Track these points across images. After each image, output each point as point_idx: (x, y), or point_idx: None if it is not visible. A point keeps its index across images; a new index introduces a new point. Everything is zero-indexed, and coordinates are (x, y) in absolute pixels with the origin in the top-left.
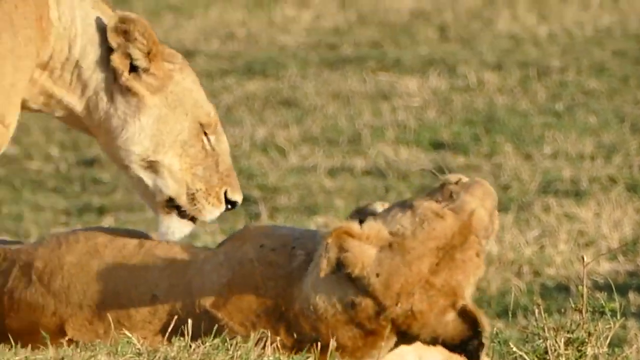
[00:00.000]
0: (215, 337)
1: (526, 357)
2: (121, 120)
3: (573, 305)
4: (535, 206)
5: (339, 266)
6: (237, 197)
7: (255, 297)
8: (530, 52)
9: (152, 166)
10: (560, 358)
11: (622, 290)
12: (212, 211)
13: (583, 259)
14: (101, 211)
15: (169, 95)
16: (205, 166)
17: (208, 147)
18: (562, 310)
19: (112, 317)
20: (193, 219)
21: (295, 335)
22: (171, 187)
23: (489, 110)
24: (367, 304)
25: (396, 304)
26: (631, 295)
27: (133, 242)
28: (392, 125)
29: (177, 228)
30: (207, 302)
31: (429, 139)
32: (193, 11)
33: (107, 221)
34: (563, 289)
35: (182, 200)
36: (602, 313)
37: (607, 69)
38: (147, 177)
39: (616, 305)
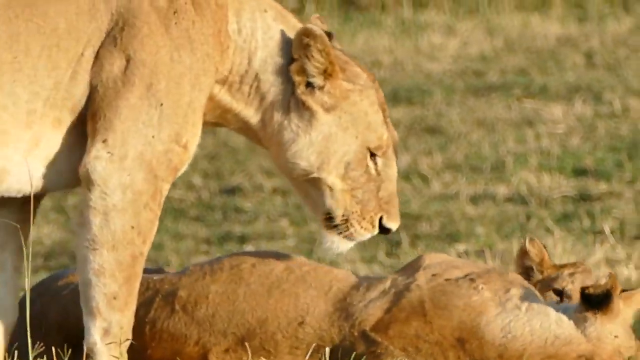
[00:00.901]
0: None
1: None
2: (293, 133)
3: None
4: None
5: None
6: (392, 225)
7: (422, 324)
8: None
9: (315, 182)
10: None
11: None
12: (363, 234)
13: None
14: (242, 240)
15: (342, 115)
16: (366, 190)
17: (373, 172)
18: None
19: (257, 344)
20: (350, 237)
21: None
22: (329, 204)
23: (633, 137)
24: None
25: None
26: None
27: (279, 267)
28: (535, 152)
29: (336, 244)
30: (367, 325)
31: (572, 166)
32: (341, 38)
33: (249, 249)
34: None
35: (338, 219)
36: None
37: None
38: (311, 192)
39: None
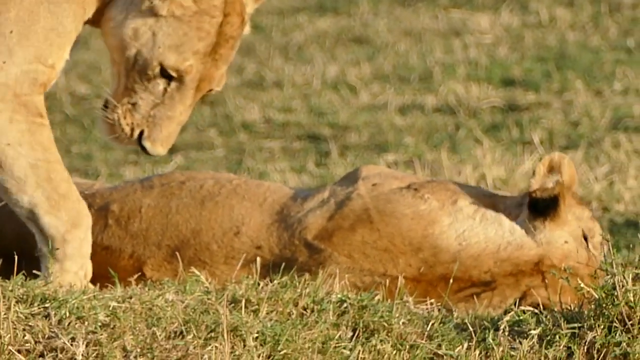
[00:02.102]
0: (283, 275)
1: (594, 293)
2: (119, 11)
3: None
4: (605, 142)
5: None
6: (148, 145)
7: (369, 231)
8: None
9: (115, 65)
10: (628, 293)
11: None
12: (119, 135)
13: None
14: (171, 150)
15: (163, 23)
16: (142, 98)
17: (159, 88)
18: (631, 246)
19: (191, 255)
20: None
21: (422, 270)
22: (111, 88)
23: (560, 47)
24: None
25: (555, 262)
26: None
27: (209, 183)
28: (463, 62)
29: (103, 129)
30: (309, 233)
31: (500, 76)
32: None
33: (177, 159)
34: (632, 224)
35: (110, 107)
36: None
37: None
38: (111, 71)
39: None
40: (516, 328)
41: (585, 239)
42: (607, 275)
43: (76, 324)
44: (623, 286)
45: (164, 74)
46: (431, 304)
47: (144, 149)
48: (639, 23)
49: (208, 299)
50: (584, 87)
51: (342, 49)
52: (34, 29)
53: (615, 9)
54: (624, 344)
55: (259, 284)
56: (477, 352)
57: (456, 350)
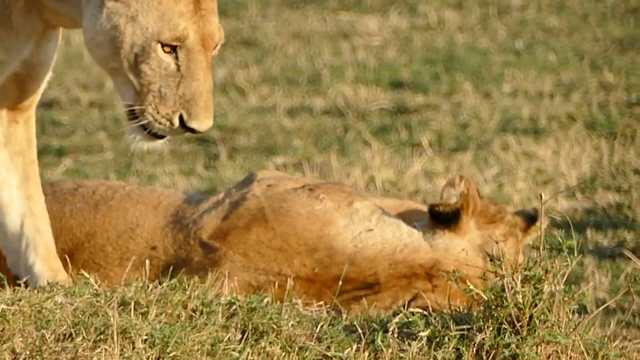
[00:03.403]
0: (172, 277)
1: (483, 295)
2: (89, 21)
3: (531, 243)
4: (494, 144)
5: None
6: (194, 125)
7: (264, 230)
8: None
9: (116, 73)
10: (517, 295)
11: (580, 227)
12: (160, 129)
13: (541, 196)
14: (60, 153)
15: (132, 4)
16: (163, 85)
17: (172, 67)
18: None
19: (86, 257)
20: (157, 135)
21: (316, 271)
22: (127, 96)
23: (449, 49)
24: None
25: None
26: (589, 233)
27: (102, 189)
28: (352, 65)
29: (137, 136)
30: (204, 233)
31: (388, 78)
32: None
33: (66, 162)
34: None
35: (136, 112)
36: (560, 250)
37: (567, 7)
38: (117, 82)
39: (573, 242)
40: (405, 330)
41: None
42: (496, 277)
43: None
44: (512, 288)
45: (167, 49)
46: (320, 306)
47: (191, 130)
48: (527, 25)
49: (97, 301)
50: (473, 89)
51: (230, 51)
52: None
53: (503, 11)
54: (513, 345)
55: (148, 287)
56: (367, 353)
57: (345, 352)
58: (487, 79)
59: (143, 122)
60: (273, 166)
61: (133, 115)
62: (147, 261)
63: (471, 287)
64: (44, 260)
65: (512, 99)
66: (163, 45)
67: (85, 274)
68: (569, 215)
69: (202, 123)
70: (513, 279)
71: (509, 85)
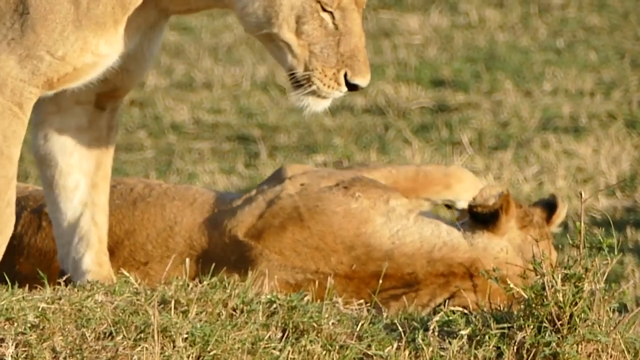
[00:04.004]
0: (212, 276)
1: (523, 293)
2: None
3: (571, 242)
4: (534, 143)
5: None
6: (358, 81)
7: (299, 229)
8: None
9: (274, 39)
10: (558, 294)
11: (620, 226)
12: (328, 92)
13: (581, 195)
14: None
15: None
16: (324, 45)
17: (330, 26)
18: (560, 246)
19: (126, 255)
20: (319, 95)
21: (354, 267)
22: (289, 62)
23: (490, 48)
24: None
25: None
26: (629, 231)
27: (139, 186)
28: (392, 63)
29: (306, 101)
30: (239, 231)
31: (429, 77)
32: None
33: None
34: (561, 225)
35: (300, 77)
36: (600, 249)
37: (608, 5)
38: (274, 50)
39: (614, 241)
40: (446, 328)
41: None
42: (537, 275)
43: (5, 325)
44: (552, 286)
45: (325, 8)
46: (360, 304)
47: (354, 87)
48: (568, 24)
49: (137, 299)
50: (514, 87)
51: None
52: (51, 16)
53: (544, 9)
54: (554, 344)
55: (188, 285)
56: (407, 352)
57: (386, 351)
58: (528, 77)
59: (312, 88)
60: (313, 164)
61: (297, 83)
62: (187, 259)
63: (511, 285)
64: (94, 254)
65: (553, 97)
66: (322, 5)
67: (125, 273)
68: (609, 214)
69: (365, 78)
70: (553, 278)
71: (549, 84)
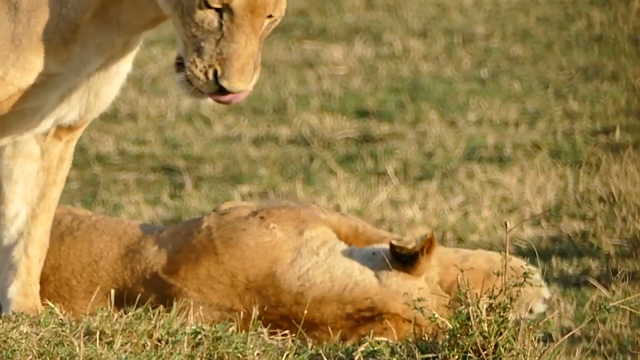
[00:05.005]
0: (137, 307)
1: (448, 324)
2: None
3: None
4: (459, 173)
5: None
6: (225, 83)
7: (214, 264)
8: (456, 19)
9: (173, 22)
10: (483, 324)
11: (545, 255)
12: (199, 85)
13: (506, 225)
14: None
15: None
16: (204, 40)
17: (214, 24)
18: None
19: (52, 290)
20: (195, 85)
21: (264, 308)
22: (180, 48)
23: (414, 78)
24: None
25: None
26: (554, 261)
27: (67, 219)
28: (317, 94)
29: (185, 91)
30: (159, 267)
31: (354, 107)
32: None
33: None
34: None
35: (184, 62)
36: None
37: (531, 35)
38: (176, 34)
39: (539, 270)
40: (371, 358)
41: None
42: (462, 305)
43: None
44: (477, 316)
45: (210, 5)
46: (285, 335)
47: (223, 90)
48: (491, 54)
49: (63, 331)
50: (438, 117)
51: None
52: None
53: (468, 39)
54: None
55: (113, 316)
56: None
57: None
58: (452, 107)
59: (183, 76)
60: (239, 195)
61: (180, 67)
62: (112, 291)
63: (436, 315)
64: (20, 285)
65: (477, 127)
66: (207, 2)
67: (50, 304)
68: (534, 244)
69: (234, 84)
70: (478, 308)
71: (474, 114)
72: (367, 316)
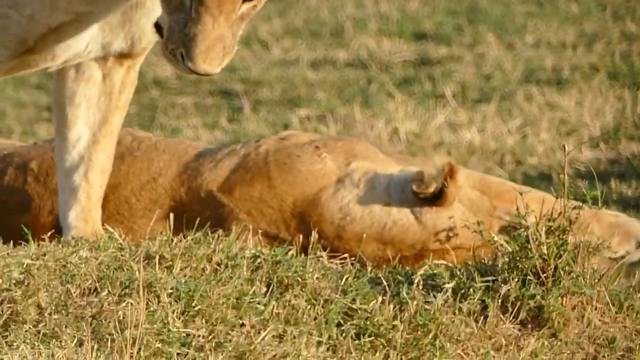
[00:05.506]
0: (196, 231)
1: (507, 246)
2: None
3: (555, 194)
4: (517, 95)
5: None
6: (190, 65)
7: (266, 188)
8: None
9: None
10: (542, 247)
11: (604, 178)
12: (172, 63)
13: (565, 147)
14: None
15: None
16: (174, 20)
17: (186, 4)
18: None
19: (111, 209)
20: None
21: (308, 237)
22: (159, 19)
23: (472, 0)
24: (416, 233)
25: (439, 243)
26: (612, 183)
27: (127, 139)
28: (374, 17)
29: (172, 65)
30: (214, 185)
31: (411, 30)
32: None
33: None
34: (545, 177)
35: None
36: (584, 201)
37: None
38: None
39: (597, 193)
40: (430, 282)
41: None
42: (521, 228)
43: None
44: (537, 239)
45: None
46: (344, 258)
47: (192, 71)
48: None
49: (122, 255)
50: (496, 40)
51: None
52: None
53: None
54: (538, 296)
55: (172, 240)
56: (392, 306)
57: (370, 305)
58: (510, 29)
59: (163, 52)
60: (297, 118)
61: (159, 33)
62: (172, 215)
63: (496, 238)
64: (80, 210)
65: (535, 49)
66: None
67: (110, 228)
68: (593, 166)
69: (199, 66)
70: (537, 230)
71: (531, 36)
72: (408, 255)
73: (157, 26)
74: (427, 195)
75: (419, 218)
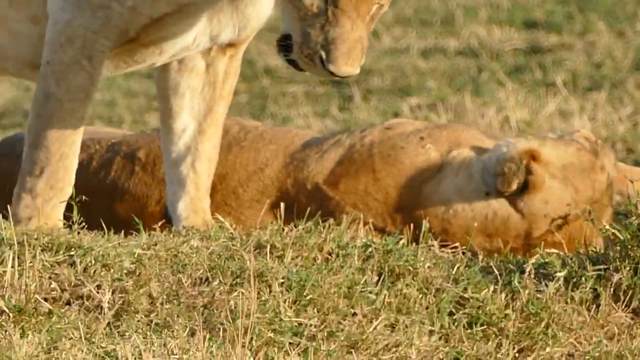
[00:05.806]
0: (307, 220)
1: (619, 235)
2: None
3: None
4: (628, 83)
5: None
6: (332, 68)
7: (372, 180)
8: None
9: (282, 4)
10: None
11: None
12: (305, 67)
13: None
14: None
15: None
16: (310, 24)
17: (319, 9)
18: None
19: (219, 199)
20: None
21: (416, 230)
22: (285, 26)
23: None
24: (517, 222)
25: (545, 230)
26: None
27: (235, 129)
28: (485, 5)
29: (293, 68)
30: (320, 178)
31: (522, 18)
32: None
33: None
34: None
35: (289, 43)
36: None
37: None
38: (283, 14)
39: None
40: (542, 271)
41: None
42: (632, 216)
43: (102, 271)
44: None
45: None
46: (455, 247)
47: (332, 74)
48: None
49: (233, 245)
50: (607, 28)
51: None
52: None
53: None
54: None
55: (283, 230)
56: (503, 295)
57: (482, 294)
58: (621, 17)
59: (291, 57)
60: (407, 107)
61: (284, 46)
62: (282, 204)
63: (607, 226)
64: (189, 200)
65: None
66: None
67: (220, 218)
68: None
69: (340, 68)
70: None
71: None
72: (516, 247)
73: (284, 37)
74: (514, 191)
75: (517, 206)
